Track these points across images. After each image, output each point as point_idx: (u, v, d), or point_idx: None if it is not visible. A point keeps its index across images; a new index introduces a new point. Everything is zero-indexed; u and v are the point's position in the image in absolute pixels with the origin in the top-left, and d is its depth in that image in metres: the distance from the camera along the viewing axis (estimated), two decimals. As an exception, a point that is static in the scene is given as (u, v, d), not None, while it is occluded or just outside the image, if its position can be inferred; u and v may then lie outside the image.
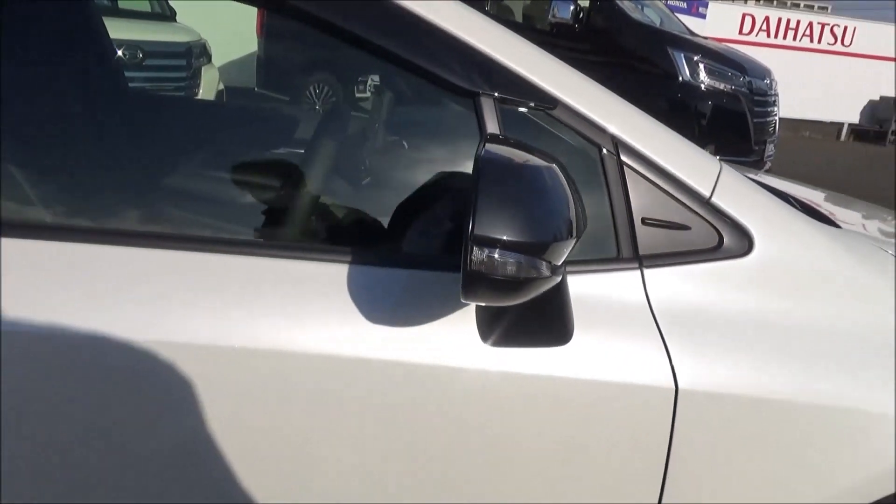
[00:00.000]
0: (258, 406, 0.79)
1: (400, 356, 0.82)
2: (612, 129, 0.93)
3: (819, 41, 15.76)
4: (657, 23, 6.72)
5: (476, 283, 0.67)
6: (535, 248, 0.65)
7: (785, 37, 15.58)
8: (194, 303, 0.78)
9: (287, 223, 0.95)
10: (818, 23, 15.86)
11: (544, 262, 0.65)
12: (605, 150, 0.91)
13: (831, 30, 15.87)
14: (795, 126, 15.40)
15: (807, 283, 0.97)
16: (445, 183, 0.94)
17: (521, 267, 0.66)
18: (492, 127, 0.87)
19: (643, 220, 0.88)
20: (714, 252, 0.95)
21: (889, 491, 0.92)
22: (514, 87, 0.89)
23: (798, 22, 15.72)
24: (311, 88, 7.04)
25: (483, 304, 0.76)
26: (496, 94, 0.87)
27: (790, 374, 0.92)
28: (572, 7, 5.79)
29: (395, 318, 0.82)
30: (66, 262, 0.75)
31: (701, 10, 13.87)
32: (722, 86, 5.55)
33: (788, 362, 0.92)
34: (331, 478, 0.82)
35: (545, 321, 0.83)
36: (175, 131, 1.11)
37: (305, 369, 0.79)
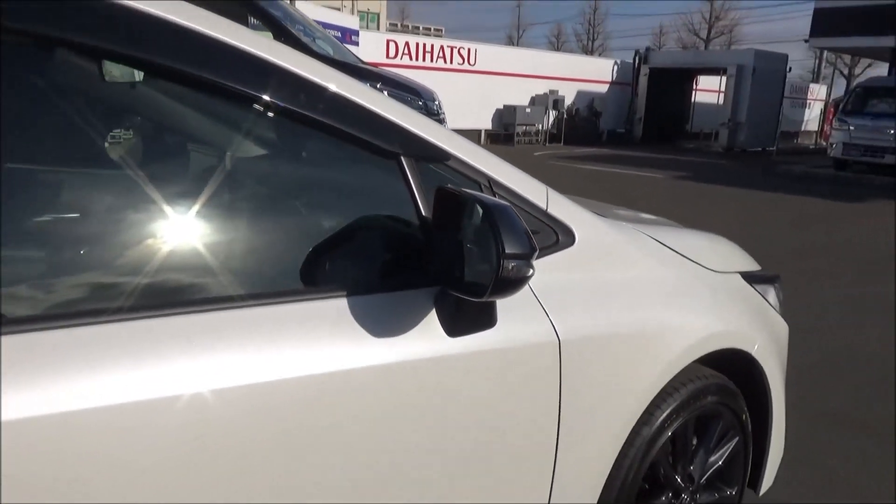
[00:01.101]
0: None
1: (385, 360, 1.06)
2: (485, 170, 1.29)
3: (451, 62, 18.32)
4: (331, 52, 7.27)
5: (505, 286, 0.97)
6: (533, 256, 0.97)
7: (425, 59, 17.76)
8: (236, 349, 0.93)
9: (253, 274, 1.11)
10: (448, 46, 18.42)
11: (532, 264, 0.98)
12: (482, 185, 1.27)
13: (458, 51, 18.57)
14: (446, 135, 17.62)
15: (608, 258, 1.46)
16: (373, 224, 1.19)
17: (530, 270, 0.98)
18: (413, 177, 1.15)
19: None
20: (555, 246, 1.38)
21: (682, 365, 1.49)
22: (422, 147, 1.19)
23: (433, 46, 18.06)
24: None
25: (493, 300, 1.05)
26: (412, 155, 1.16)
27: (616, 314, 1.40)
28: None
29: (378, 333, 1.06)
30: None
31: (354, 38, 15.05)
32: (404, 109, 6.33)
33: (611, 307, 1.40)
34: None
35: (482, 314, 1.15)
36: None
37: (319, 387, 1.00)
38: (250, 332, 0.96)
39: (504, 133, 19.57)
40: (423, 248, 1.12)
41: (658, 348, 1.46)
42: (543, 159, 15.34)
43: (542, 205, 1.37)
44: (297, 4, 13.69)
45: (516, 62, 19.88)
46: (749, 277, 1.90)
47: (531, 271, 0.98)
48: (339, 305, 1.05)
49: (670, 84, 22.57)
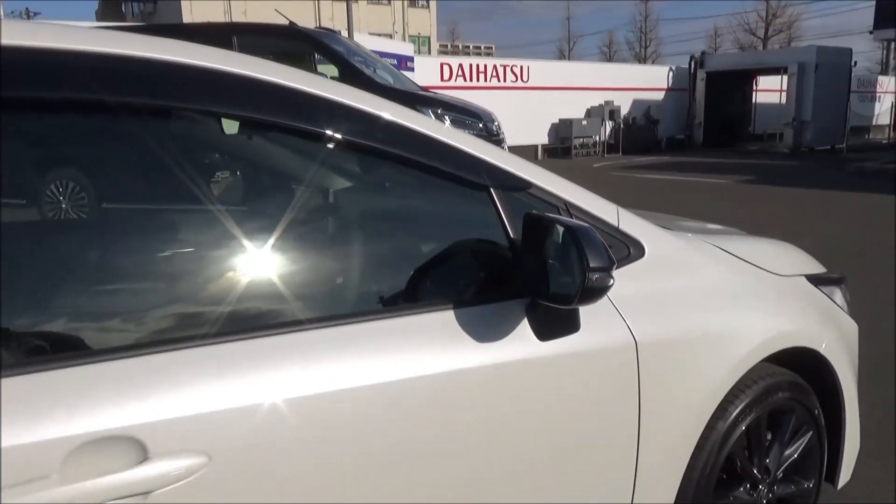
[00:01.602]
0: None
1: (490, 361, 1.25)
2: (562, 195, 1.47)
3: (504, 80, 18.58)
4: (391, 81, 7.60)
5: (591, 294, 1.14)
6: (613, 268, 1.15)
7: (478, 79, 18.07)
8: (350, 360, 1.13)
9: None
10: (500, 65, 18.70)
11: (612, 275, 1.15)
12: (560, 209, 1.44)
13: (511, 69, 18.82)
14: (503, 153, 17.81)
15: (677, 268, 1.61)
16: (469, 246, 1.38)
17: (611, 280, 1.15)
18: (501, 204, 1.34)
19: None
20: (628, 258, 1.54)
21: (751, 364, 1.62)
22: (508, 179, 1.38)
23: (486, 66, 18.37)
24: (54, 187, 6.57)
25: (579, 307, 1.23)
26: (500, 186, 1.35)
27: (689, 318, 1.54)
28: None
29: (472, 339, 1.25)
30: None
31: (409, 64, 15.49)
32: (465, 132, 6.56)
33: (686, 310, 1.54)
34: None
35: (568, 320, 1.32)
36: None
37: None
38: (376, 342, 1.17)
39: (561, 147, 19.64)
40: (514, 265, 1.30)
41: (727, 348, 1.59)
42: (603, 171, 15.33)
43: (614, 222, 1.54)
44: (356, 37, 14.24)
45: (569, 76, 19.96)
46: (815, 280, 2.00)
47: (612, 281, 1.15)
48: (445, 317, 1.24)
49: (729, 86, 22.17)
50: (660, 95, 22.21)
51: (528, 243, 1.27)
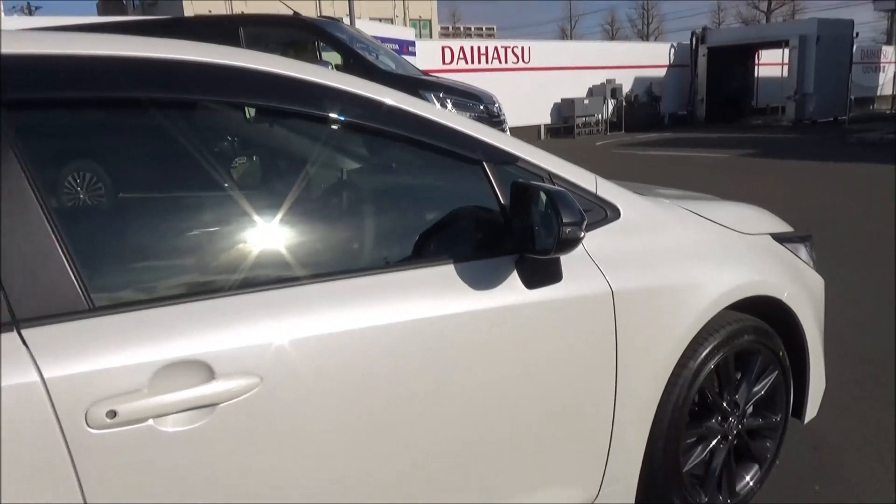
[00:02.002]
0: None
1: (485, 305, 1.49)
2: (546, 166, 1.70)
3: (506, 61, 18.68)
4: (394, 67, 7.80)
5: (565, 245, 1.38)
6: (583, 223, 1.39)
7: (480, 61, 18.18)
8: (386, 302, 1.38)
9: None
10: (502, 46, 18.78)
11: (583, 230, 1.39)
12: (544, 178, 1.68)
13: (513, 50, 18.91)
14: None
15: (648, 227, 1.84)
16: (467, 212, 1.62)
17: (581, 232, 1.39)
18: (496, 179, 1.58)
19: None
20: (604, 220, 1.77)
21: (715, 311, 1.86)
22: (498, 154, 1.61)
23: (486, 47, 18.46)
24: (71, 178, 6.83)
25: (558, 256, 1.46)
26: (491, 161, 1.59)
27: (661, 271, 1.77)
28: (329, 67, 6.57)
29: (469, 288, 1.49)
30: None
31: (410, 49, 15.63)
32: (466, 114, 6.77)
33: (658, 263, 1.78)
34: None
35: (551, 271, 1.56)
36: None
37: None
38: (388, 290, 1.41)
39: (564, 126, 19.76)
40: (504, 226, 1.54)
41: (693, 297, 1.83)
42: (605, 149, 15.49)
43: (592, 189, 1.77)
44: (359, 23, 14.38)
45: (571, 55, 20.03)
46: (779, 238, 2.24)
47: (582, 234, 1.39)
48: (446, 270, 1.48)
49: (731, 61, 22.17)
50: (662, 72, 22.23)
51: (516, 207, 1.51)
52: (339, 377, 1.31)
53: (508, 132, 7.62)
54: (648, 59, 21.85)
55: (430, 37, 41.05)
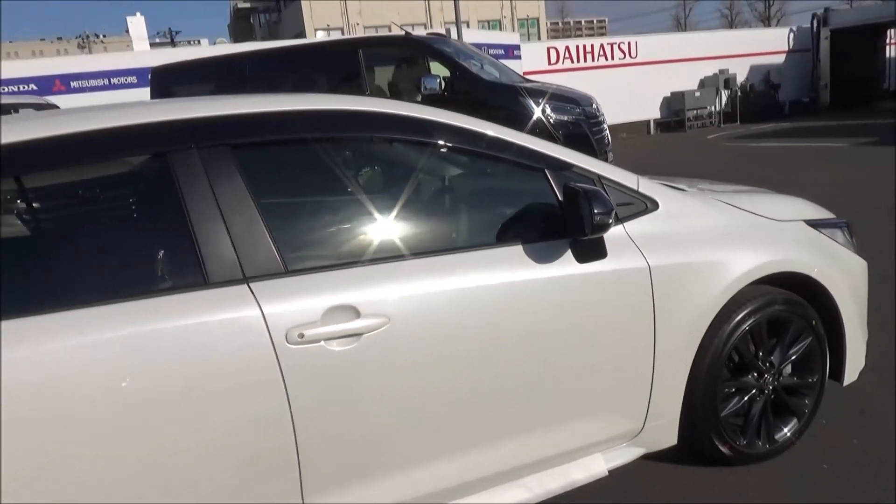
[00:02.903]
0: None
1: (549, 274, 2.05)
2: (595, 171, 2.22)
3: (612, 58, 18.74)
4: (497, 75, 8.37)
5: (599, 228, 1.92)
6: (612, 212, 1.92)
7: (586, 60, 18.37)
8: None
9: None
10: (607, 43, 18.86)
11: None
12: (594, 181, 2.20)
13: (619, 46, 18.93)
14: (613, 130, 18.02)
15: (682, 216, 2.30)
16: (535, 207, 2.17)
17: (609, 219, 1.92)
18: (555, 180, 2.12)
19: (617, 204, 2.18)
20: (645, 212, 2.25)
21: (741, 285, 2.30)
22: (556, 163, 2.16)
23: (592, 46, 18.62)
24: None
25: (596, 237, 2.00)
26: (552, 168, 2.14)
27: (692, 252, 2.24)
28: (438, 81, 7.27)
29: (534, 263, 2.04)
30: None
31: (515, 52, 16.15)
32: (565, 117, 7.23)
33: (690, 246, 2.25)
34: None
35: (597, 249, 2.09)
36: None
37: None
38: (480, 262, 1.99)
39: (674, 120, 19.51)
40: (561, 217, 2.09)
41: (718, 273, 2.28)
42: (716, 142, 15.25)
43: (634, 186, 2.28)
44: (466, 33, 15.09)
45: (681, 47, 19.73)
46: (813, 224, 2.61)
47: (611, 220, 1.92)
48: (519, 249, 2.05)
49: (857, 43, 20.86)
50: (781, 59, 21.33)
51: (568, 202, 2.05)
52: (445, 321, 1.91)
53: (607, 131, 8.00)
54: (765, 45, 21.04)
55: (538, 36, 41.16)
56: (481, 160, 2.23)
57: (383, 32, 35.23)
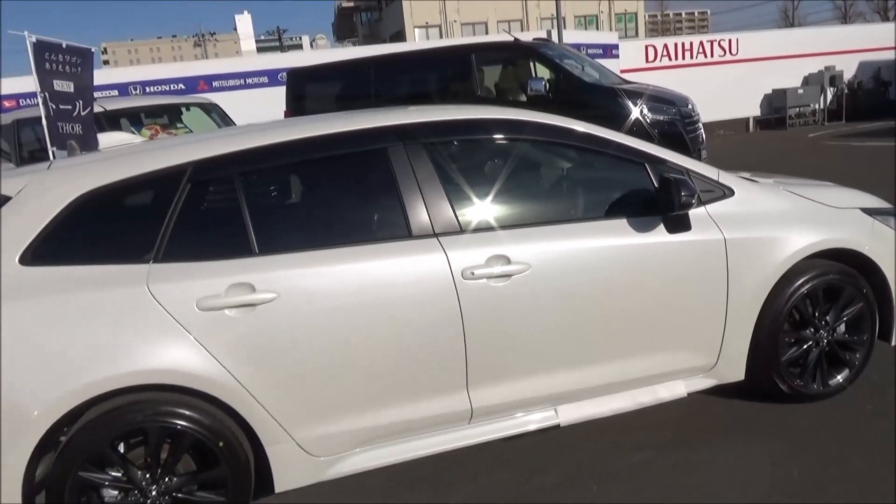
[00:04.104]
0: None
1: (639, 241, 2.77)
2: (684, 165, 2.91)
3: (712, 55, 18.73)
4: (598, 77, 8.98)
5: (684, 206, 2.62)
6: (695, 195, 2.63)
7: (684, 57, 18.47)
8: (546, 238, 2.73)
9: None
10: (707, 41, 18.86)
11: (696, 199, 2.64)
12: (682, 172, 2.89)
13: (719, 44, 18.89)
14: (710, 128, 18.01)
15: (753, 201, 2.96)
16: (636, 191, 2.89)
17: (693, 200, 2.63)
18: (653, 171, 2.84)
19: (703, 191, 2.87)
20: (723, 197, 2.92)
21: (799, 258, 2.93)
22: (652, 159, 2.88)
23: (691, 43, 18.68)
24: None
25: (680, 214, 2.71)
26: (651, 163, 2.86)
27: (759, 229, 2.89)
28: (543, 83, 7.99)
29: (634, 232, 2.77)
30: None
31: (614, 51, 16.55)
32: (661, 117, 7.78)
33: (758, 225, 2.91)
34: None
35: (684, 223, 2.79)
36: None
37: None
38: (594, 230, 2.75)
39: (775, 117, 19.26)
40: (656, 198, 2.81)
41: (780, 246, 2.93)
42: (817, 140, 15.11)
43: (715, 178, 2.97)
44: (565, 33, 15.66)
45: (783, 44, 19.42)
46: (868, 211, 3.20)
47: (693, 201, 2.64)
48: (622, 222, 2.79)
49: (982, 37, 19.80)
50: (892, 55, 20.52)
51: (661, 187, 2.77)
52: (570, 270, 2.69)
53: (702, 130, 8.47)
54: (875, 41, 20.30)
55: (636, 31, 40.72)
56: (597, 156, 2.98)
57: (479, 29, 36.23)
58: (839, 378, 3.18)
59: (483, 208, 2.74)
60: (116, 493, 2.34)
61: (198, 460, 2.41)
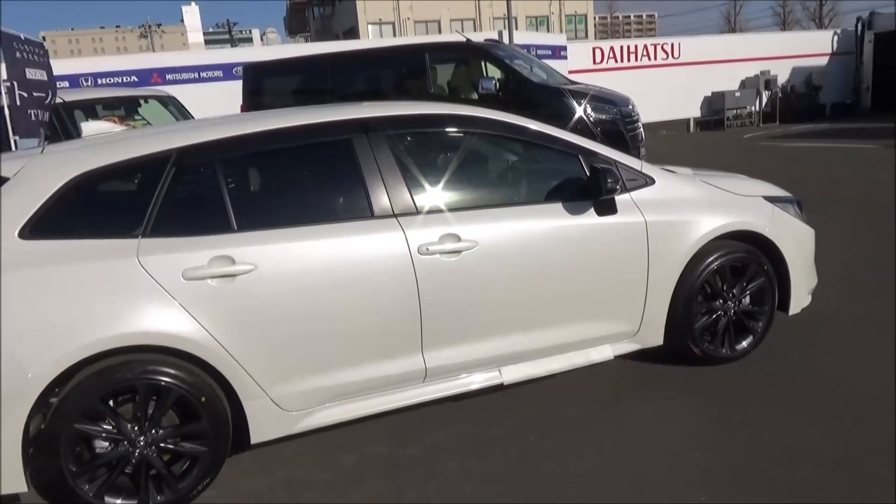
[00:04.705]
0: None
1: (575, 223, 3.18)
2: (612, 156, 3.33)
3: (655, 58, 19.55)
4: (545, 77, 9.45)
5: (610, 192, 3.04)
6: (619, 181, 3.05)
7: (629, 59, 19.23)
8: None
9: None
10: (651, 44, 19.67)
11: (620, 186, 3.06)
12: (611, 163, 3.31)
13: (662, 47, 19.72)
14: (654, 128, 18.82)
15: (671, 189, 3.40)
16: (573, 180, 3.29)
17: (617, 186, 3.05)
18: (585, 162, 3.25)
19: (628, 180, 3.30)
20: (645, 185, 3.35)
21: (709, 238, 3.39)
22: (584, 151, 3.29)
23: (636, 46, 19.46)
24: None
25: (607, 198, 3.12)
26: (583, 155, 3.28)
27: (676, 213, 3.33)
28: (493, 82, 8.40)
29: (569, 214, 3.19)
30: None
31: (562, 53, 17.13)
32: (603, 116, 8.28)
33: (675, 210, 3.35)
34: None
35: (611, 208, 3.22)
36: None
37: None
38: (533, 213, 3.15)
39: (714, 119, 20.22)
40: (587, 185, 3.22)
41: (693, 228, 3.39)
42: (751, 141, 16.00)
43: (639, 168, 3.41)
44: (517, 34, 16.14)
45: (722, 49, 20.39)
46: (770, 199, 3.69)
47: (618, 187, 3.07)
48: (557, 206, 3.20)
49: (902, 47, 21.17)
50: (824, 61, 21.79)
51: (592, 176, 3.19)
52: (512, 246, 3.08)
53: (641, 129, 9.02)
54: (808, 48, 21.52)
55: (585, 33, 41.64)
56: (538, 148, 3.38)
57: (433, 27, 36.58)
58: (744, 344, 3.66)
59: (437, 193, 3.10)
60: (107, 444, 2.62)
61: (181, 414, 2.70)
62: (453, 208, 3.06)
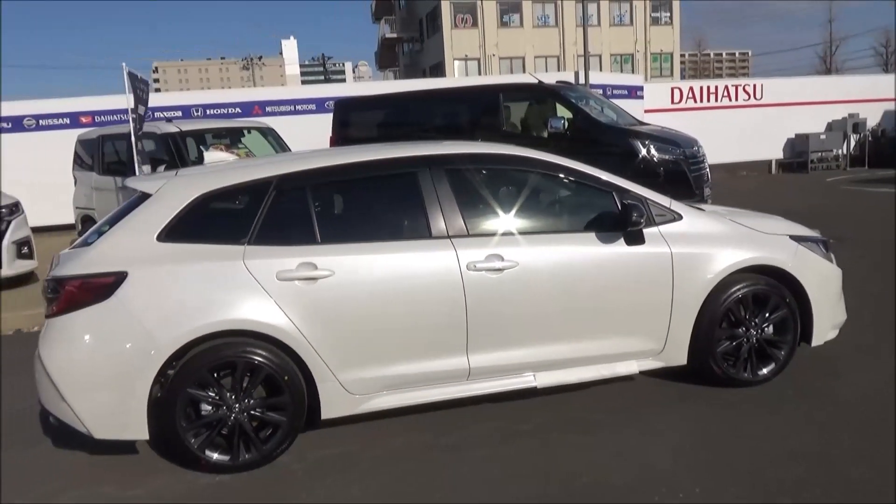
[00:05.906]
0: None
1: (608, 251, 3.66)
2: (643, 194, 3.80)
3: (736, 99, 19.53)
4: (615, 117, 9.90)
5: (636, 224, 3.52)
6: (644, 216, 3.53)
7: (709, 100, 19.31)
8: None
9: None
10: (732, 85, 19.69)
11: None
12: (642, 201, 3.78)
13: (744, 88, 19.69)
14: (732, 168, 18.82)
15: (697, 225, 3.81)
16: (606, 214, 3.77)
17: (642, 220, 3.53)
18: (618, 197, 3.73)
19: (657, 215, 3.76)
20: (674, 221, 3.79)
21: (731, 270, 3.79)
22: (619, 189, 3.77)
23: (716, 87, 19.53)
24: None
25: (634, 230, 3.60)
26: (617, 192, 3.77)
27: (700, 247, 3.74)
28: (562, 122, 8.94)
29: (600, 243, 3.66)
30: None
31: (638, 93, 17.46)
32: (667, 156, 8.64)
33: (699, 243, 3.76)
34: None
35: (639, 238, 3.67)
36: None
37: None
38: (570, 241, 3.67)
39: (797, 161, 19.90)
40: (619, 219, 3.70)
41: (716, 260, 3.79)
42: (833, 185, 15.73)
43: (668, 205, 3.86)
44: (592, 74, 16.65)
45: (808, 91, 20.13)
46: (796, 238, 4.04)
47: (643, 221, 3.54)
48: (591, 235, 3.70)
49: None
50: (921, 104, 21.06)
51: (623, 211, 3.67)
52: (549, 269, 3.59)
53: (707, 170, 9.29)
54: (901, 91, 20.89)
55: (671, 72, 41.37)
56: (577, 185, 3.90)
57: (517, 63, 37.49)
58: (765, 370, 3.99)
59: (486, 219, 3.67)
60: (211, 408, 3.28)
61: (268, 389, 3.34)
62: (499, 233, 3.61)
